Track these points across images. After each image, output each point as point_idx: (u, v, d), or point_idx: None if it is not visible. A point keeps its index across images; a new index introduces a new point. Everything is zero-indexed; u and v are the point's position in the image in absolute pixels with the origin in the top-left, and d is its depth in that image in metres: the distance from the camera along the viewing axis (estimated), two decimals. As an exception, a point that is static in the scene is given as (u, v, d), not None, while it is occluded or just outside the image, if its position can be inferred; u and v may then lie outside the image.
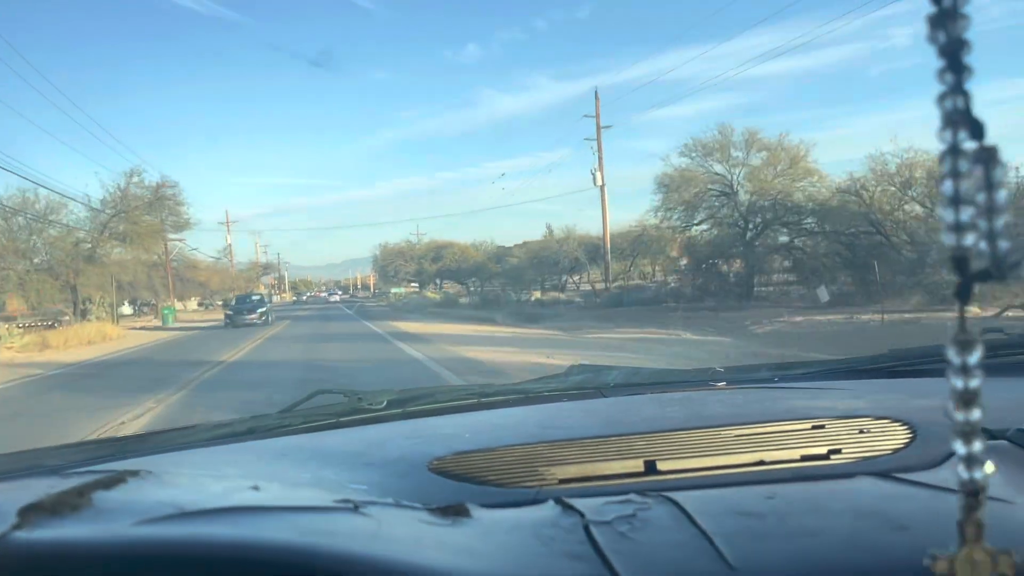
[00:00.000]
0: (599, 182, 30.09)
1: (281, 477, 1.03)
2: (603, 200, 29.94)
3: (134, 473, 0.76)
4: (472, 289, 52.35)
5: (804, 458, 1.04)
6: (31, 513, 0.61)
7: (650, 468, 1.02)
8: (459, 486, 0.98)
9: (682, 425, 1.19)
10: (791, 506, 0.79)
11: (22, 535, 0.58)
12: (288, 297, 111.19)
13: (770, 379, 1.76)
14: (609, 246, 30.28)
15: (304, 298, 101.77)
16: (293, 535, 0.62)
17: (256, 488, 0.77)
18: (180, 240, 44.68)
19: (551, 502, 0.82)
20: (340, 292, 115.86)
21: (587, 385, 1.76)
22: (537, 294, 35.81)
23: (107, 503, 0.66)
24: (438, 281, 64.88)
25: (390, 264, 70.02)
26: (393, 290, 64.52)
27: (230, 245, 74.57)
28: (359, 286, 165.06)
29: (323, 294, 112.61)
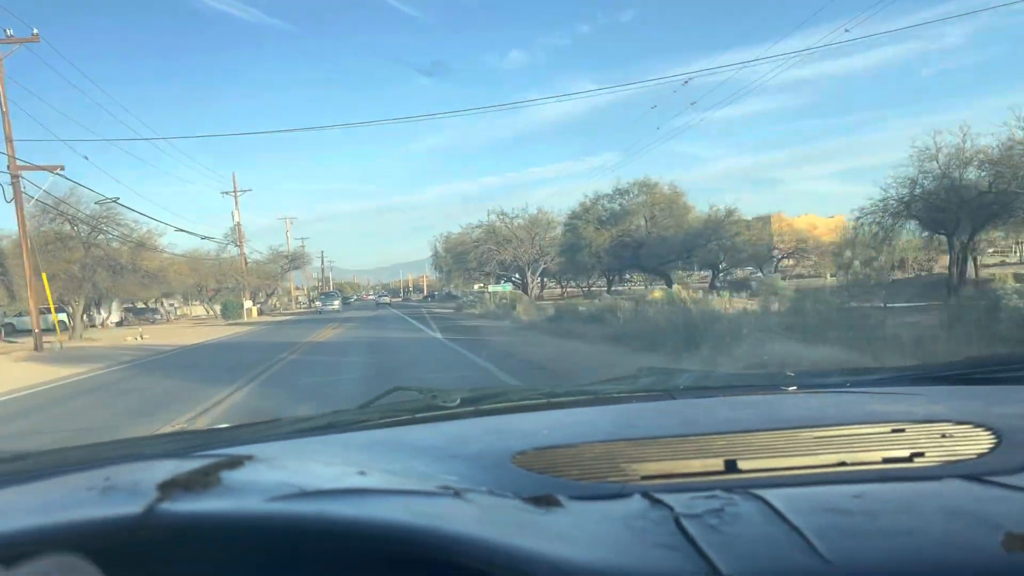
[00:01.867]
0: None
1: (374, 466, 1.03)
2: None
3: (248, 457, 0.79)
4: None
5: (886, 460, 1.04)
6: (170, 488, 0.65)
7: (730, 467, 1.03)
8: (542, 479, 0.98)
9: (759, 426, 1.20)
10: (881, 505, 0.80)
11: (166, 507, 0.62)
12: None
13: (842, 384, 1.75)
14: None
15: (351, 301, 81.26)
16: (409, 516, 0.65)
17: (363, 473, 0.80)
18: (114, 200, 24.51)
19: (637, 496, 0.84)
20: (389, 295, 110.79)
21: (656, 387, 1.78)
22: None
23: (233, 482, 0.70)
24: (539, 275, 43.66)
25: (471, 250, 48.36)
26: (492, 288, 41.86)
27: (239, 225, 53.30)
28: (411, 288, 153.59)
29: (371, 297, 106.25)
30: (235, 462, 0.75)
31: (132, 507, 0.62)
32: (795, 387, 1.70)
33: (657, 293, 21.26)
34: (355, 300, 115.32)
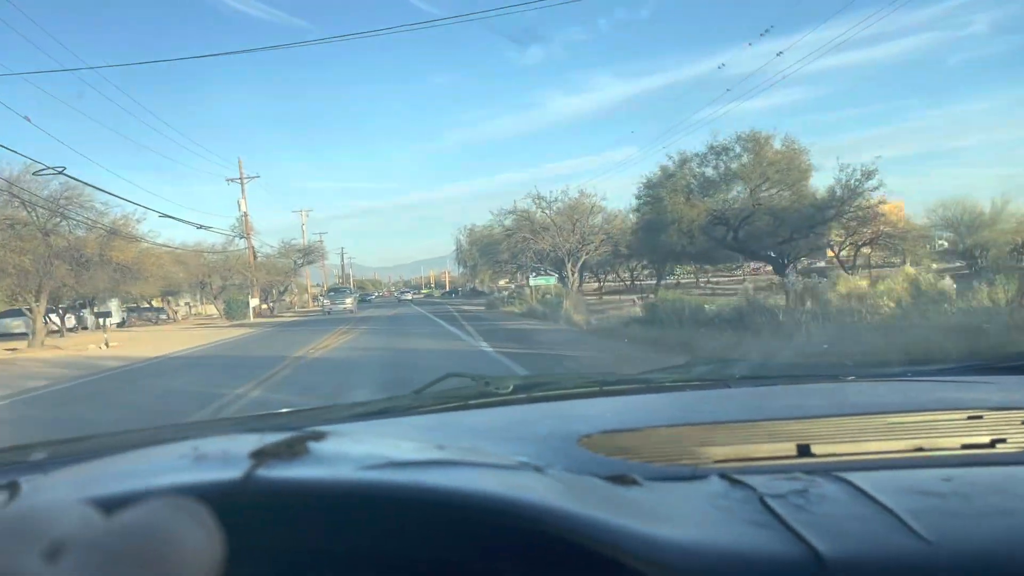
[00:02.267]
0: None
1: (446, 444, 0.99)
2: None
3: (324, 433, 0.76)
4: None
5: (965, 446, 1.02)
6: (262, 457, 0.65)
7: (803, 451, 1.02)
8: (613, 461, 0.97)
9: (828, 412, 1.18)
10: (973, 488, 0.78)
11: (262, 473, 0.62)
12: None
13: (903, 374, 1.73)
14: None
15: (371, 298, 76.16)
16: (500, 488, 0.65)
17: (442, 447, 0.78)
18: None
19: (715, 477, 0.82)
20: (411, 292, 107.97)
21: (711, 377, 1.78)
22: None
23: (321, 453, 0.68)
24: (569, 269, 37.90)
25: (502, 240, 42.90)
26: (533, 281, 35.78)
27: (246, 215, 47.85)
28: (432, 284, 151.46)
29: (394, 294, 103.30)
30: (317, 436, 0.73)
31: (229, 473, 0.62)
32: (854, 377, 1.71)
33: (854, 283, 14.73)
34: (376, 297, 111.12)
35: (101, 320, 34.20)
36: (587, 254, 43.03)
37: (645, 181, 31.12)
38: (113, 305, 41.60)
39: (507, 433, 1.17)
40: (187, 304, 57.50)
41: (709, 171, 27.94)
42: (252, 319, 41.11)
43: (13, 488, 0.62)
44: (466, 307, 42.58)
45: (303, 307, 73.17)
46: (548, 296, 30.62)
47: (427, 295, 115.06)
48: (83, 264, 24.70)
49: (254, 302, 44.46)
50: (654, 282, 54.30)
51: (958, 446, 1.02)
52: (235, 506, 0.58)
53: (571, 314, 24.48)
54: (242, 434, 0.81)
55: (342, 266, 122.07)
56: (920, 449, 1.01)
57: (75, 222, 25.51)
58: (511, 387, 1.60)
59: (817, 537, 0.63)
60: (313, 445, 0.70)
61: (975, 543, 0.63)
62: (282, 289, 57.98)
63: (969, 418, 1.11)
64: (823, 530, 0.64)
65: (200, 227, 37.74)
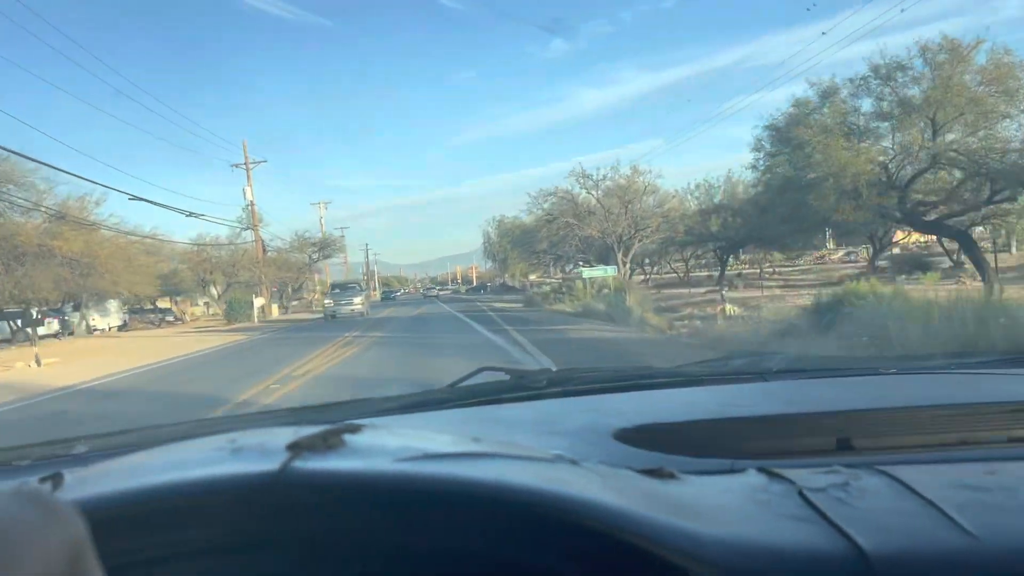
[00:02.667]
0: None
1: (481, 437, 0.97)
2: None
3: (359, 426, 0.76)
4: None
5: (1011, 440, 1.01)
6: (298, 449, 0.65)
7: (843, 445, 1.00)
8: (649, 455, 0.96)
9: (869, 406, 1.17)
10: (1019, 481, 0.77)
11: (299, 464, 0.63)
12: (374, 295, 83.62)
13: (945, 367, 1.70)
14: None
15: (396, 295, 70.69)
16: (538, 481, 0.64)
17: (478, 440, 0.78)
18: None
19: (753, 470, 0.81)
20: (437, 288, 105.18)
21: (748, 370, 1.74)
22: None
23: (357, 445, 0.69)
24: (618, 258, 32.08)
25: (541, 228, 37.39)
26: (587, 273, 29.32)
27: (252, 204, 42.31)
28: (459, 280, 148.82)
29: (419, 290, 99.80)
30: (351, 428, 0.73)
31: (266, 465, 0.63)
32: (896, 369, 1.68)
33: None
34: (401, 295, 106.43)
35: (31, 330, 26.48)
36: (640, 241, 37.03)
37: (768, 125, 21.71)
38: (113, 306, 36.74)
39: (541, 427, 1.15)
40: (205, 304, 52.42)
41: (867, 106, 19.03)
42: (255, 321, 35.78)
43: (56, 480, 0.64)
44: (500, 304, 36.78)
45: (321, 307, 68.15)
46: (606, 291, 24.72)
47: (454, 291, 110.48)
48: (17, 258, 19.23)
49: (260, 302, 39.27)
50: (708, 274, 47.72)
51: (1004, 439, 1.00)
52: (272, 497, 0.60)
53: (642, 314, 18.59)
54: (278, 427, 0.80)
55: (366, 263, 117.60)
56: (964, 443, 1.00)
57: (6, 204, 20.01)
58: (544, 381, 1.57)
59: (860, 532, 0.61)
60: (348, 437, 0.70)
61: (1021, 537, 0.62)
62: (296, 287, 52.46)
63: (1015, 411, 1.09)
64: (866, 525, 0.63)
65: (190, 215, 31.59)
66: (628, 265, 36.98)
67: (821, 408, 1.16)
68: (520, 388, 1.54)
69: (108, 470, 0.71)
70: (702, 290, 30.91)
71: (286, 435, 0.69)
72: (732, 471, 0.83)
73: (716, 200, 38.80)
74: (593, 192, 36.37)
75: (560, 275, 61.60)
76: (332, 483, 0.62)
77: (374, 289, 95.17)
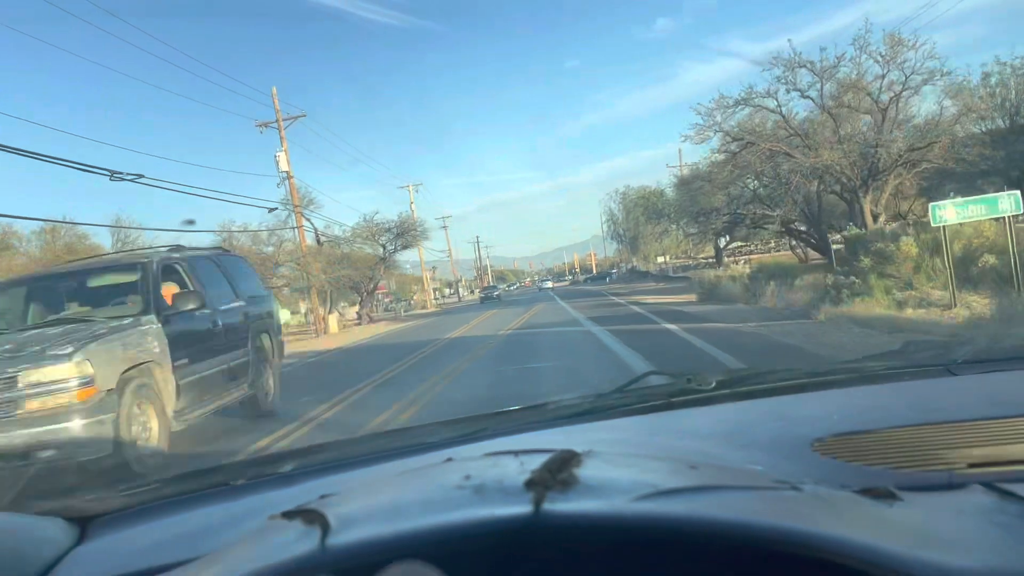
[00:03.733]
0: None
1: (677, 455, 0.97)
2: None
3: (575, 454, 0.73)
4: None
5: None
6: (537, 488, 0.63)
7: None
8: (855, 468, 0.92)
9: None
10: None
11: (549, 508, 0.61)
12: (472, 296, 71.34)
13: None
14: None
15: (497, 294, 56.40)
16: (778, 518, 0.61)
17: (694, 467, 0.76)
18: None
19: (978, 487, 0.76)
20: (552, 279, 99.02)
21: (931, 363, 1.58)
22: None
23: (586, 481, 0.66)
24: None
25: (717, 172, 21.26)
26: (956, 209, 13.30)
27: (288, 176, 29.59)
28: (577, 269, 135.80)
29: (535, 283, 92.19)
30: (569, 457, 0.71)
31: (515, 508, 0.62)
32: None
33: None
34: (514, 288, 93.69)
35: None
36: (901, 175, 21.18)
37: None
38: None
39: (734, 438, 1.11)
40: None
41: None
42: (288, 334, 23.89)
43: (324, 524, 0.62)
44: (650, 299, 22.95)
45: (423, 308, 55.61)
46: (985, 258, 9.75)
47: (572, 282, 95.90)
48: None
49: (318, 309, 26.93)
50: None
51: None
52: (529, 542, 0.60)
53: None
54: (496, 456, 0.78)
55: (478, 257, 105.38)
56: None
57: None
58: (713, 383, 1.50)
59: None
60: (578, 472, 0.68)
61: None
62: (370, 287, 39.27)
63: None
64: None
65: (187, 192, 19.01)
66: (883, 216, 21.23)
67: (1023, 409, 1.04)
68: (688, 392, 1.48)
69: (367, 510, 0.68)
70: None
71: (512, 467, 0.68)
72: (951, 486, 0.78)
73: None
74: (814, 93, 20.83)
75: (734, 248, 45.80)
76: (581, 526, 0.61)
77: (483, 284, 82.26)
